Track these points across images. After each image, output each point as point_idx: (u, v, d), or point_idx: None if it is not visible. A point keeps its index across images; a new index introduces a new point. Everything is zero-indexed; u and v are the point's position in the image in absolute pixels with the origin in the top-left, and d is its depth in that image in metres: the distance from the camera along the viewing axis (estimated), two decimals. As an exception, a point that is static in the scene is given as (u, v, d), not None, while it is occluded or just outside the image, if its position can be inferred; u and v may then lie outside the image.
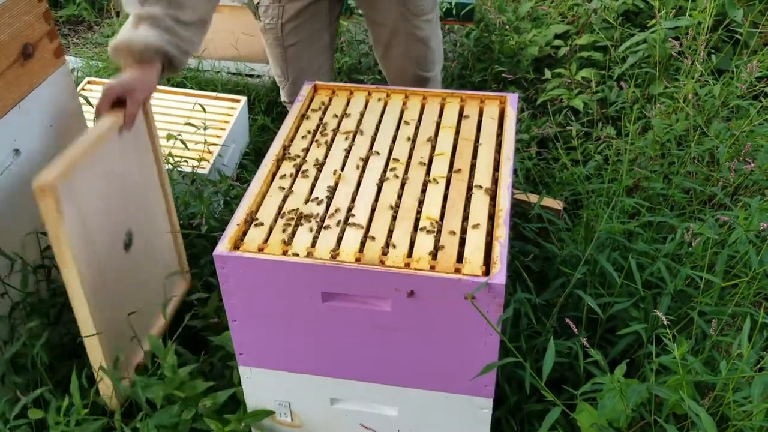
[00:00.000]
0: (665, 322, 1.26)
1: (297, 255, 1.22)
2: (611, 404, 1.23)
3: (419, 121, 1.58)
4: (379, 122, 1.58)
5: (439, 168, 1.43)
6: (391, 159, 1.46)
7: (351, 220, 1.30)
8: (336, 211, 1.32)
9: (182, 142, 2.12)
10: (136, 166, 1.63)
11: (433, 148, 1.49)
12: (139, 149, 1.63)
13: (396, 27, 1.97)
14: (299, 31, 2.00)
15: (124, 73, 1.50)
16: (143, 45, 1.47)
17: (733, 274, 1.52)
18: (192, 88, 3.12)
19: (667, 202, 1.88)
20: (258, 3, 1.99)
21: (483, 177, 1.40)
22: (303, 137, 1.54)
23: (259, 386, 1.41)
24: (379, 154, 1.47)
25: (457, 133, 1.54)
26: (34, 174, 1.32)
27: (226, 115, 2.64)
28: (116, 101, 1.50)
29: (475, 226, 1.27)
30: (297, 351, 1.33)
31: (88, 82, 2.76)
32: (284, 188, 1.39)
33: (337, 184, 1.40)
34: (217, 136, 2.52)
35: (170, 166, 2.08)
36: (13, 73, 1.52)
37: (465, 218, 1.30)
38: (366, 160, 1.46)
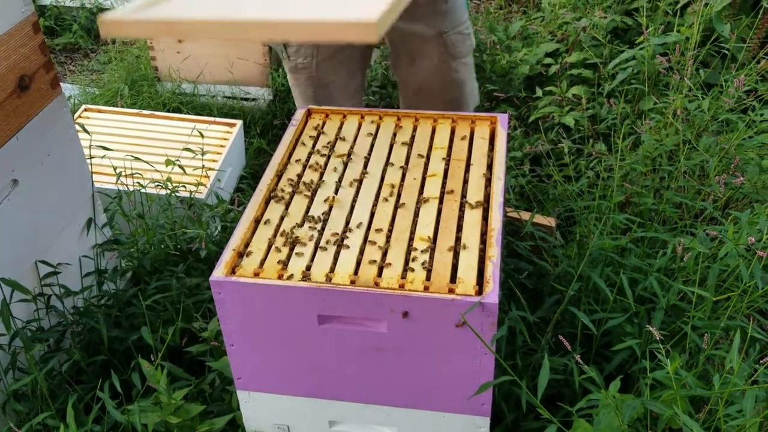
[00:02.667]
0: (658, 338, 1.27)
1: (292, 278, 1.24)
2: (606, 420, 1.24)
3: (411, 142, 1.60)
4: (372, 145, 1.61)
5: (432, 189, 1.45)
6: (384, 181, 1.48)
7: (345, 242, 1.32)
8: (330, 234, 1.34)
9: (180, 167, 2.14)
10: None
11: (426, 169, 1.51)
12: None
13: (433, 69, 1.94)
14: (335, 70, 1.96)
15: None
16: None
17: (725, 288, 1.54)
18: (188, 113, 3.15)
19: (658, 216, 1.90)
20: (287, 44, 1.94)
21: (475, 197, 1.42)
22: (297, 161, 1.56)
23: (257, 410, 1.42)
24: (372, 176, 1.50)
25: (449, 154, 1.56)
26: (33, 204, 1.32)
27: (223, 139, 2.67)
28: None
29: (468, 246, 1.29)
30: (295, 374, 1.34)
31: (85, 110, 2.79)
32: (279, 212, 1.41)
33: (331, 207, 1.42)
34: (214, 160, 2.54)
35: (168, 191, 2.10)
36: (11, 104, 1.55)
37: (458, 238, 1.32)
38: (360, 183, 1.48)
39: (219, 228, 2.18)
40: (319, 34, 1.08)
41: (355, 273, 1.25)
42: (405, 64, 2.01)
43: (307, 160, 1.56)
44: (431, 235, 1.32)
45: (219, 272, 1.25)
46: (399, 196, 1.44)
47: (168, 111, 3.14)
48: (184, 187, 2.19)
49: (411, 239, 1.32)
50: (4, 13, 1.51)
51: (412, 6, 1.75)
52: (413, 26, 1.85)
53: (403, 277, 1.23)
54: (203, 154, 2.24)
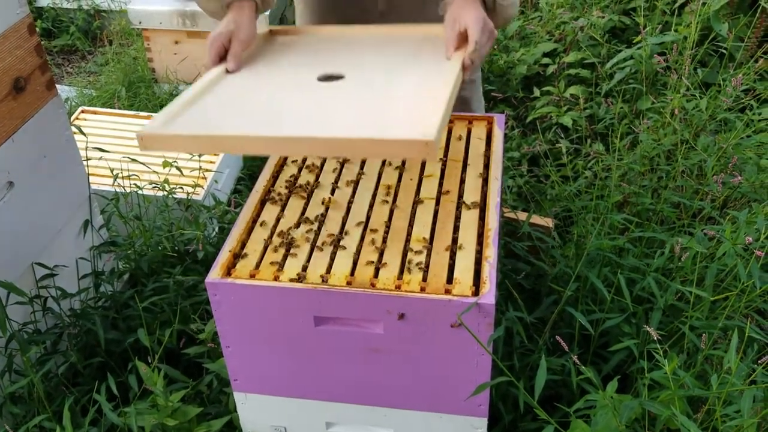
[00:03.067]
0: (656, 337, 1.27)
1: (288, 280, 1.23)
2: (604, 421, 1.24)
3: (408, 143, 1.60)
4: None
5: (429, 189, 1.45)
6: (381, 181, 1.48)
7: (341, 243, 1.31)
8: (327, 235, 1.33)
9: (178, 169, 2.14)
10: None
11: (422, 169, 1.51)
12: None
13: None
14: None
15: (221, 22, 1.45)
16: None
17: (723, 287, 1.54)
18: (185, 114, 3.14)
19: (656, 216, 1.90)
20: None
21: (471, 197, 1.41)
22: (293, 162, 1.56)
23: (254, 412, 1.41)
24: (368, 176, 1.49)
25: (446, 154, 1.55)
26: (29, 206, 1.32)
27: (220, 140, 2.66)
28: (223, 51, 1.43)
29: (464, 247, 1.29)
30: (291, 376, 1.34)
31: (82, 111, 2.79)
32: (275, 214, 1.41)
33: (327, 208, 1.41)
34: (211, 162, 2.54)
35: (166, 193, 2.10)
36: (6, 106, 1.54)
37: (454, 239, 1.32)
38: (356, 183, 1.48)
39: (216, 229, 2.18)
40: (374, 151, 1.11)
41: (352, 274, 1.24)
42: None
43: (303, 161, 1.56)
44: (428, 236, 1.32)
45: (215, 274, 1.25)
46: (395, 196, 1.43)
47: (165, 112, 3.14)
48: (182, 188, 2.19)
49: (407, 240, 1.32)
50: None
51: (415, 18, 1.75)
52: None
53: (400, 278, 1.23)
54: (200, 155, 2.24)
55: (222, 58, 1.42)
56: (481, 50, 1.34)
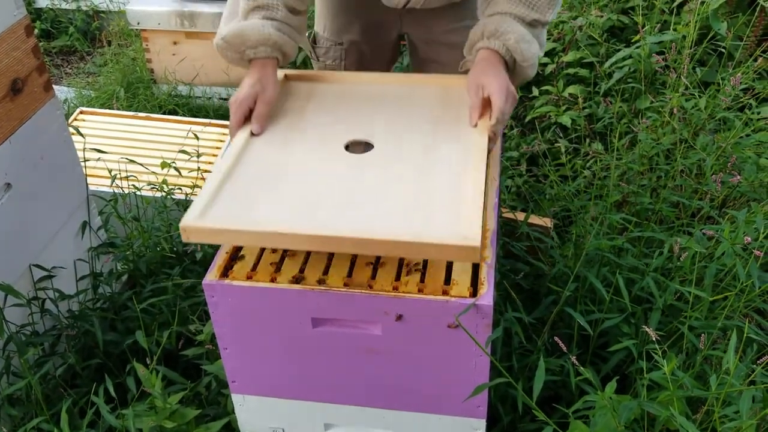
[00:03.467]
0: (654, 338, 1.27)
1: (285, 281, 1.23)
2: (603, 422, 1.23)
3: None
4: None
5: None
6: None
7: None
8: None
9: (176, 169, 2.13)
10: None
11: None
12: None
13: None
14: None
15: (244, 81, 1.44)
16: (259, 38, 1.42)
17: (722, 287, 1.53)
18: (184, 115, 3.15)
19: (655, 216, 1.90)
20: (316, 44, 1.93)
21: (470, 198, 1.41)
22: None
23: (252, 413, 1.41)
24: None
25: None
26: (26, 208, 1.33)
27: (218, 141, 2.66)
28: (248, 113, 1.43)
29: (463, 248, 1.28)
30: (289, 377, 1.34)
31: (81, 112, 2.79)
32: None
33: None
34: (210, 162, 2.54)
35: (164, 194, 2.10)
36: (3, 108, 1.54)
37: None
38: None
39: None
40: (419, 252, 1.13)
41: (349, 275, 1.24)
42: (425, 71, 1.93)
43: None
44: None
45: (212, 275, 1.24)
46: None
47: (164, 113, 3.14)
48: (180, 189, 2.19)
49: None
50: (-4, 17, 1.51)
51: (435, 20, 1.75)
52: (438, 37, 1.81)
53: (397, 279, 1.23)
54: (199, 156, 2.24)
55: (246, 118, 1.42)
56: (504, 118, 1.37)
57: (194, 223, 1.17)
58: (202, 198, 1.22)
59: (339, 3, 1.82)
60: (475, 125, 1.39)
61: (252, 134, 1.40)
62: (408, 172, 1.28)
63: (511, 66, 1.44)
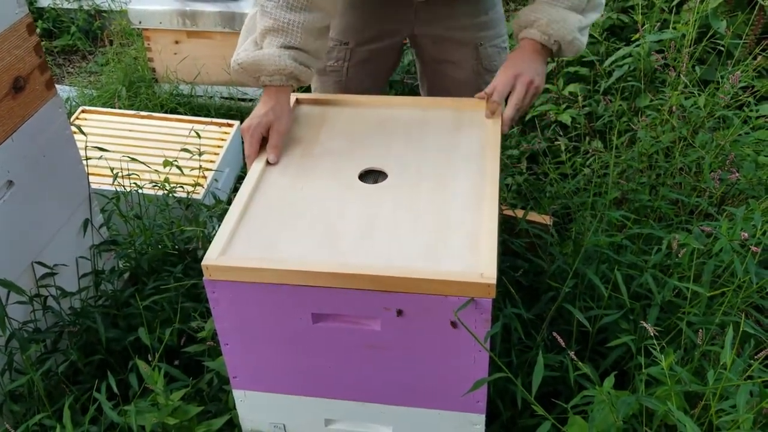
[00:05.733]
0: (653, 333, 1.27)
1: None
2: (601, 416, 1.24)
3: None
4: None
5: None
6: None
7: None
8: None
9: (178, 168, 2.14)
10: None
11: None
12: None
13: (464, 80, 1.86)
14: (364, 75, 1.90)
15: (257, 108, 1.45)
16: (275, 68, 1.43)
17: (720, 283, 1.54)
18: (185, 114, 3.16)
19: (654, 213, 1.90)
20: None
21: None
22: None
23: (253, 409, 1.42)
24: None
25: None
26: (29, 205, 1.33)
27: (220, 140, 2.67)
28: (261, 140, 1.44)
29: (462, 244, 1.29)
30: (290, 373, 1.35)
31: (83, 111, 2.80)
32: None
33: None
34: (212, 161, 2.55)
35: (166, 192, 2.11)
36: (5, 106, 1.55)
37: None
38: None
39: (216, 228, 2.19)
40: (437, 289, 1.16)
41: (349, 271, 1.25)
42: (434, 72, 1.94)
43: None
44: (425, 234, 1.33)
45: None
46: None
47: (165, 112, 3.15)
48: (182, 187, 2.20)
49: (405, 237, 1.33)
50: (-2, 15, 1.52)
51: (450, 15, 1.74)
52: (450, 35, 1.79)
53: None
54: (200, 154, 2.25)
55: (261, 145, 1.43)
56: (523, 106, 1.48)
57: (216, 262, 1.20)
58: (223, 235, 1.25)
59: (351, 0, 1.77)
60: (491, 114, 1.50)
61: (267, 163, 1.43)
62: (422, 204, 1.31)
63: (555, 49, 1.50)
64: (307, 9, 1.43)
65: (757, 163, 1.91)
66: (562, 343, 1.28)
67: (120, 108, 3.06)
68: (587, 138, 2.48)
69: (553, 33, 1.47)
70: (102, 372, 1.72)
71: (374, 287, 1.18)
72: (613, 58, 2.59)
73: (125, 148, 2.55)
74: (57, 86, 1.75)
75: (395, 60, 1.95)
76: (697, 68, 2.39)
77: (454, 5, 1.72)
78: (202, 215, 2.11)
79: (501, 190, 1.88)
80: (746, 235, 1.42)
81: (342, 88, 1.90)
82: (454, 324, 1.18)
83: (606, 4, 3.01)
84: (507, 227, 1.90)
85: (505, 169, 2.43)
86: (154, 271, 1.98)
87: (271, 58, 1.42)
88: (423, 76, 1.99)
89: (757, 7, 2.52)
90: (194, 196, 2.25)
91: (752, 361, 1.25)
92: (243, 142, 1.45)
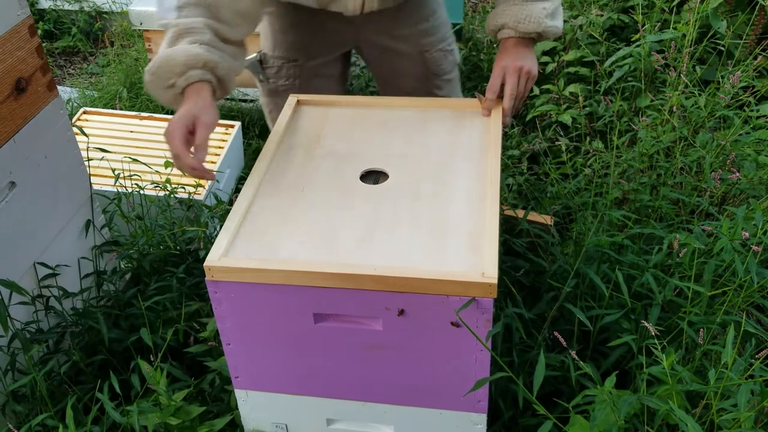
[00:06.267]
0: (654, 333, 1.28)
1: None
2: (602, 416, 1.24)
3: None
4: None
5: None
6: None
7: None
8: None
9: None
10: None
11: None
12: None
13: (415, 87, 1.87)
14: (319, 88, 1.84)
15: (178, 111, 1.33)
16: (186, 59, 1.31)
17: (721, 283, 1.54)
18: (186, 114, 3.15)
19: (655, 213, 1.91)
20: (264, 65, 1.83)
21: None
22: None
23: (255, 409, 1.42)
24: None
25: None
26: (30, 206, 1.33)
27: (221, 140, 2.67)
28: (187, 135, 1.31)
29: (463, 244, 1.30)
30: (292, 372, 1.35)
31: (84, 112, 2.80)
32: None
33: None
34: (213, 162, 2.55)
35: (167, 193, 2.11)
36: (7, 107, 1.55)
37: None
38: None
39: (218, 229, 2.19)
40: (439, 288, 1.16)
41: (351, 271, 1.25)
42: (386, 83, 1.94)
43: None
44: (427, 233, 1.33)
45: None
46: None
47: (166, 113, 3.15)
48: (183, 188, 2.20)
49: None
50: (0, 17, 1.52)
51: (392, 26, 1.75)
52: (394, 44, 1.80)
53: (399, 274, 1.24)
54: (201, 155, 2.25)
55: (188, 143, 1.31)
56: (518, 94, 1.52)
57: (218, 263, 1.21)
58: (225, 235, 1.25)
59: (290, 18, 1.74)
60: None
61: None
62: (424, 204, 1.32)
63: (534, 37, 1.53)
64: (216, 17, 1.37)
65: (757, 162, 1.91)
66: (564, 343, 1.28)
67: (121, 109, 3.06)
68: (588, 138, 2.48)
69: (524, 30, 1.50)
70: (104, 372, 1.72)
71: (376, 287, 1.18)
72: (613, 58, 2.59)
73: (127, 149, 2.55)
74: (58, 88, 1.76)
75: (345, 68, 1.94)
76: (697, 68, 2.39)
77: (393, 16, 1.71)
78: (204, 216, 2.11)
79: (502, 190, 1.88)
80: (747, 234, 1.42)
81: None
82: (455, 324, 1.19)
83: (606, 5, 3.01)
84: (508, 227, 1.90)
85: (506, 169, 2.43)
86: (156, 272, 1.99)
87: (180, 50, 1.32)
88: (378, 84, 1.99)
89: (757, 7, 2.52)
90: (196, 196, 2.25)
91: (753, 361, 1.25)
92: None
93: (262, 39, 1.81)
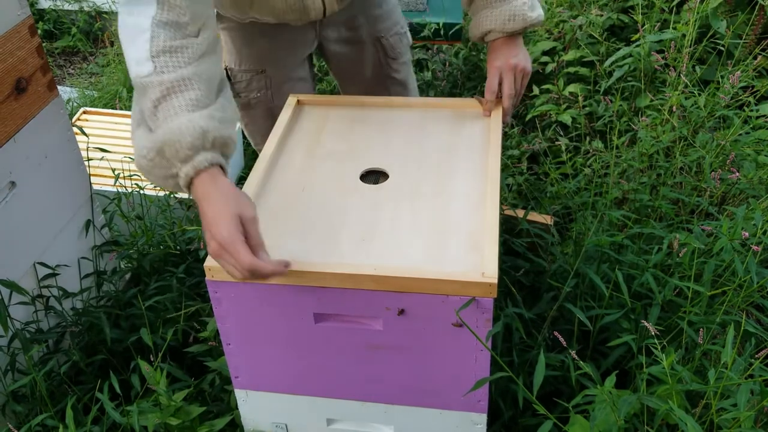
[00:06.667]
0: (653, 333, 1.28)
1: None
2: (602, 416, 1.24)
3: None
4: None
5: (427, 188, 1.46)
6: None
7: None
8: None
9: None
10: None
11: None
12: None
13: (375, 74, 1.88)
14: (292, 93, 1.79)
15: (207, 216, 1.10)
16: (190, 139, 1.08)
17: (721, 282, 1.54)
18: (186, 114, 3.15)
19: (655, 213, 1.91)
20: (232, 80, 1.77)
21: (470, 195, 1.42)
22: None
23: (255, 409, 1.42)
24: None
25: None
26: (31, 206, 1.34)
27: (221, 140, 2.67)
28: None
29: (463, 244, 1.30)
30: (292, 372, 1.35)
31: (84, 112, 2.80)
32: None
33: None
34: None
35: (167, 192, 2.11)
36: (8, 107, 1.56)
37: (453, 236, 1.33)
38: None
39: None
40: (439, 288, 1.16)
41: (351, 271, 1.25)
42: (345, 75, 1.94)
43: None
44: (427, 233, 1.33)
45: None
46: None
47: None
48: (183, 188, 2.20)
49: (406, 237, 1.33)
50: (0, 17, 1.52)
51: (348, 17, 1.77)
52: (352, 35, 1.82)
53: (399, 274, 1.24)
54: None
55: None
56: (516, 91, 1.53)
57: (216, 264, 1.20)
58: None
59: (252, 30, 1.71)
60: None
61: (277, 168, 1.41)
62: (424, 204, 1.32)
63: (520, 30, 1.53)
64: (197, 58, 1.15)
65: (757, 162, 1.91)
66: (564, 343, 1.28)
67: (121, 109, 3.06)
68: (588, 138, 2.48)
69: (510, 29, 1.52)
70: (104, 372, 1.72)
71: (376, 287, 1.18)
72: (613, 58, 2.59)
73: (127, 148, 2.55)
74: (58, 87, 1.76)
75: (312, 69, 1.93)
76: (697, 68, 2.39)
77: (348, 8, 1.72)
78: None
79: (502, 190, 1.89)
80: (747, 234, 1.42)
81: (271, 115, 1.75)
82: (455, 323, 1.19)
83: (606, 5, 3.01)
84: (508, 227, 1.91)
85: (505, 169, 2.44)
86: (156, 272, 1.99)
87: (182, 130, 1.09)
88: (337, 76, 1.98)
89: (757, 7, 2.52)
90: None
91: (753, 360, 1.25)
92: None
93: (226, 54, 1.76)
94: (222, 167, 1.14)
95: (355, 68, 1.89)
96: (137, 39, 1.13)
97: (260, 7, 1.57)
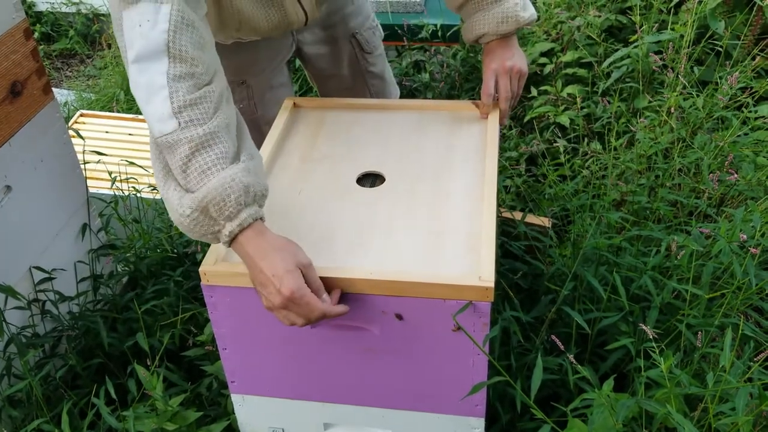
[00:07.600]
0: (652, 336, 1.27)
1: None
2: (600, 420, 1.24)
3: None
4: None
5: (424, 190, 1.45)
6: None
7: (337, 245, 1.32)
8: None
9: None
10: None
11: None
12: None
13: (352, 69, 1.89)
14: (273, 104, 1.80)
15: (257, 267, 1.11)
16: (236, 196, 1.09)
17: (719, 285, 1.54)
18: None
19: (653, 215, 1.90)
20: None
21: (467, 198, 1.42)
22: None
23: (252, 413, 1.42)
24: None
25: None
26: (26, 210, 1.33)
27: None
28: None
29: (460, 248, 1.29)
30: (288, 377, 1.34)
31: (81, 115, 2.80)
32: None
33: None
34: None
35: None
36: (3, 111, 1.55)
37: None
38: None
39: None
40: (435, 292, 1.15)
41: (347, 275, 1.24)
42: (323, 72, 1.93)
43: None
44: (423, 237, 1.32)
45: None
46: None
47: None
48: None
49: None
50: (-5, 20, 1.52)
51: (323, 17, 1.77)
52: (329, 34, 1.83)
53: (395, 278, 1.23)
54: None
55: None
56: (513, 93, 1.54)
57: (214, 267, 1.21)
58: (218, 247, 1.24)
59: (231, 43, 1.69)
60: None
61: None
62: (420, 207, 1.31)
63: (513, 30, 1.53)
64: (217, 108, 1.14)
65: (755, 164, 1.91)
66: (561, 346, 1.28)
67: (118, 111, 3.05)
68: (586, 139, 2.47)
69: (504, 31, 1.52)
70: (101, 377, 1.72)
71: (372, 291, 1.17)
72: (611, 59, 2.59)
73: (123, 151, 2.54)
74: (55, 90, 1.76)
75: (290, 72, 1.93)
76: (695, 69, 2.38)
77: (321, 8, 1.71)
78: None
79: (499, 192, 1.88)
80: (745, 236, 1.41)
81: (256, 124, 1.77)
82: (453, 328, 1.18)
83: (604, 6, 3.01)
84: (505, 230, 1.90)
85: (503, 171, 2.43)
86: (153, 275, 1.98)
87: (223, 186, 1.09)
88: (313, 77, 1.98)
89: (755, 8, 2.52)
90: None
91: (752, 363, 1.25)
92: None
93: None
94: (263, 218, 1.15)
95: (333, 67, 1.90)
96: (154, 97, 1.11)
97: (246, 30, 1.57)
